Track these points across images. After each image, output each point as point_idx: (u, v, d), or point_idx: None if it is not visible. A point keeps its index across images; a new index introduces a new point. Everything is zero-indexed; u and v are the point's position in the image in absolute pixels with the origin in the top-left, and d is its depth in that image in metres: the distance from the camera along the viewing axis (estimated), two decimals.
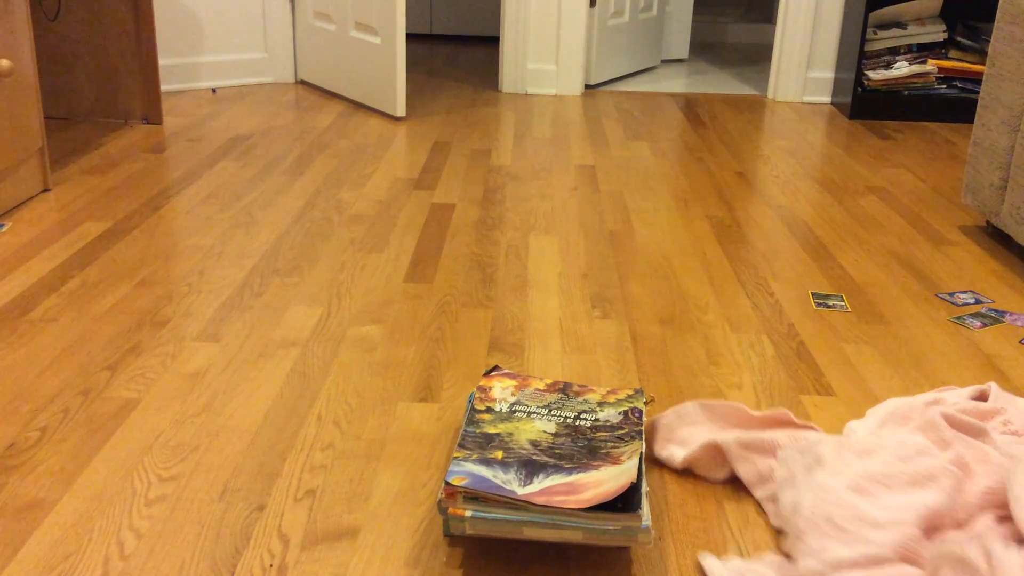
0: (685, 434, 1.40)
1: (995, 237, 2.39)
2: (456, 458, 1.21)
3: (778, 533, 1.25)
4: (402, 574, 1.16)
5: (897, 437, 1.29)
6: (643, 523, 1.11)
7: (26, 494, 1.28)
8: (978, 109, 2.33)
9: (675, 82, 4.31)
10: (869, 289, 2.04)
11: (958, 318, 1.92)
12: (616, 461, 1.21)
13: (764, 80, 4.23)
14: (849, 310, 1.94)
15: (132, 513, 1.25)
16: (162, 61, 3.52)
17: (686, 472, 1.38)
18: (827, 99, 3.95)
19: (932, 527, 1.16)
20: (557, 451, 1.24)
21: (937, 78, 3.62)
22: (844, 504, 1.16)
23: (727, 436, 1.36)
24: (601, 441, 1.27)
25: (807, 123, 3.57)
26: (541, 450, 1.25)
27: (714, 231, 2.37)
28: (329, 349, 1.71)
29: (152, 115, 3.18)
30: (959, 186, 2.82)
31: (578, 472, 1.19)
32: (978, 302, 1.99)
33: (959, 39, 3.68)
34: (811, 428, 1.41)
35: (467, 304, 1.91)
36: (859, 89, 3.64)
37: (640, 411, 1.34)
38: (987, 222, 2.49)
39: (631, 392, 1.40)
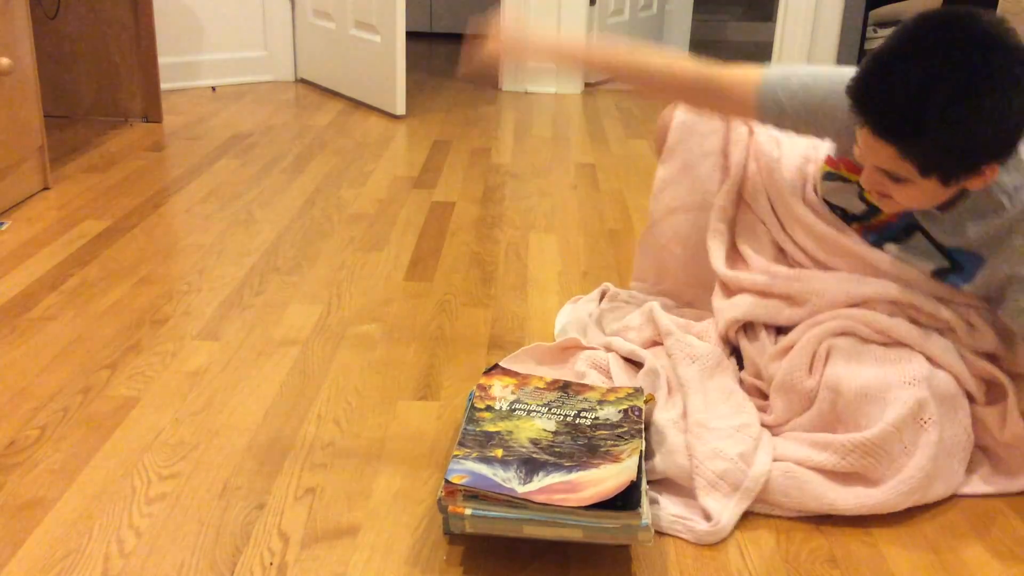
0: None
1: None
2: (456, 456, 1.21)
3: None
4: (402, 572, 1.16)
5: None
6: (643, 521, 1.12)
7: (26, 492, 1.28)
8: None
9: None
10: None
11: None
12: (616, 459, 1.22)
13: None
14: None
15: (132, 511, 1.25)
16: (162, 59, 3.52)
17: None
18: None
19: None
20: (557, 449, 1.25)
21: None
22: (700, 412, 1.41)
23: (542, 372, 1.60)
24: (601, 439, 1.27)
25: None
26: (541, 448, 1.25)
27: None
28: (329, 348, 1.71)
29: (152, 113, 3.18)
30: None
31: (578, 470, 1.19)
32: None
33: None
34: (594, 348, 1.64)
35: (467, 303, 1.91)
36: None
37: (640, 409, 1.34)
38: None
39: (631, 390, 1.40)
